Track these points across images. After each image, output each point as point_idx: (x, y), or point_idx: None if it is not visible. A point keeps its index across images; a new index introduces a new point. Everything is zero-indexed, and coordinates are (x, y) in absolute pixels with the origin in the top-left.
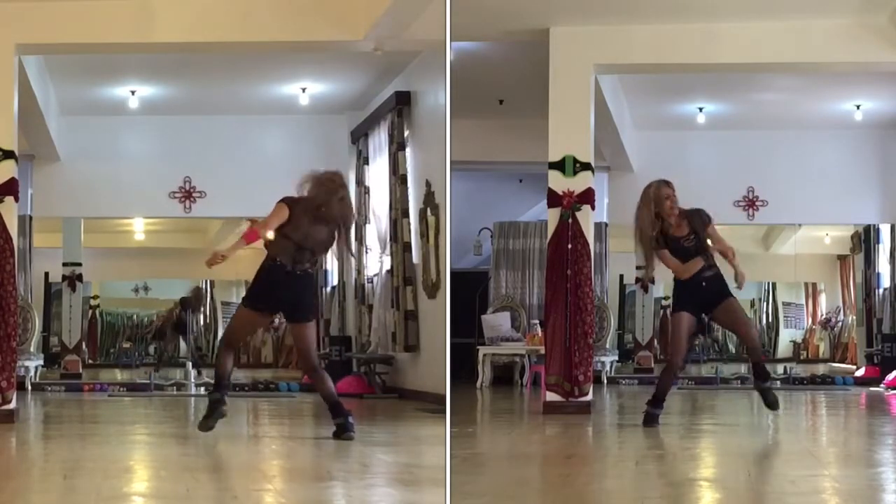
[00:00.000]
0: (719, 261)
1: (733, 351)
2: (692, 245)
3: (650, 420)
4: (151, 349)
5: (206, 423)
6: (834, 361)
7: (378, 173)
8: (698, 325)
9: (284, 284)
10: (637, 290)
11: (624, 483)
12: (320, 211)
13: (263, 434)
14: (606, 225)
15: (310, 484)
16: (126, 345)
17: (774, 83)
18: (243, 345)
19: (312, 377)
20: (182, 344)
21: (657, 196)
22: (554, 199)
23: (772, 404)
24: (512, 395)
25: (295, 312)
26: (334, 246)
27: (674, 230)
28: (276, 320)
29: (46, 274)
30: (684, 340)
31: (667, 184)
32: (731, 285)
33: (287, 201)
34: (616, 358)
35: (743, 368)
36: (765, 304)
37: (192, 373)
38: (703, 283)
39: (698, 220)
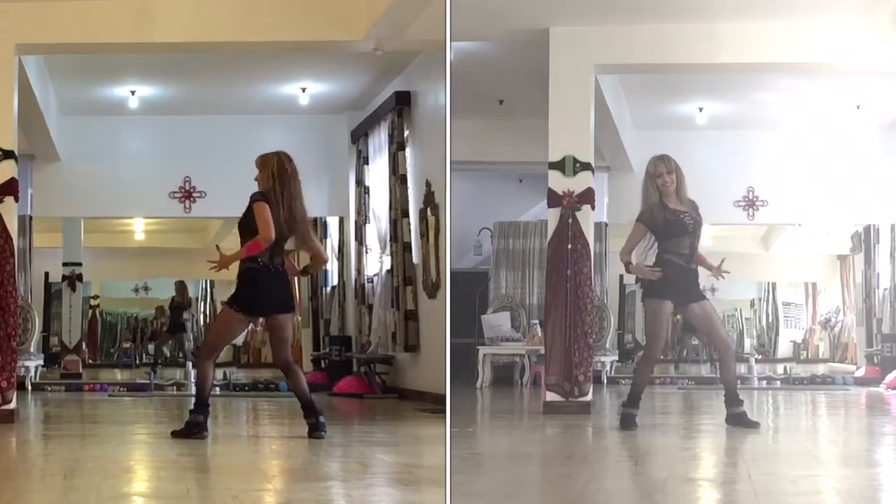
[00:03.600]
0: None
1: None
2: (691, 222)
3: (627, 422)
4: (151, 349)
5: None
6: (834, 361)
7: (378, 173)
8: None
9: (271, 285)
10: (637, 290)
11: (624, 483)
12: (280, 197)
13: (263, 434)
14: (606, 225)
15: (310, 484)
16: (126, 345)
17: (774, 83)
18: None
19: (286, 372)
20: (185, 343)
21: (653, 171)
22: (554, 199)
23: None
24: (512, 395)
25: (280, 307)
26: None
27: (673, 202)
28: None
29: (46, 274)
30: (664, 330)
31: (662, 160)
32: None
33: (263, 200)
34: (616, 358)
35: (743, 368)
36: (765, 304)
37: (192, 372)
38: (688, 274)
39: (697, 213)
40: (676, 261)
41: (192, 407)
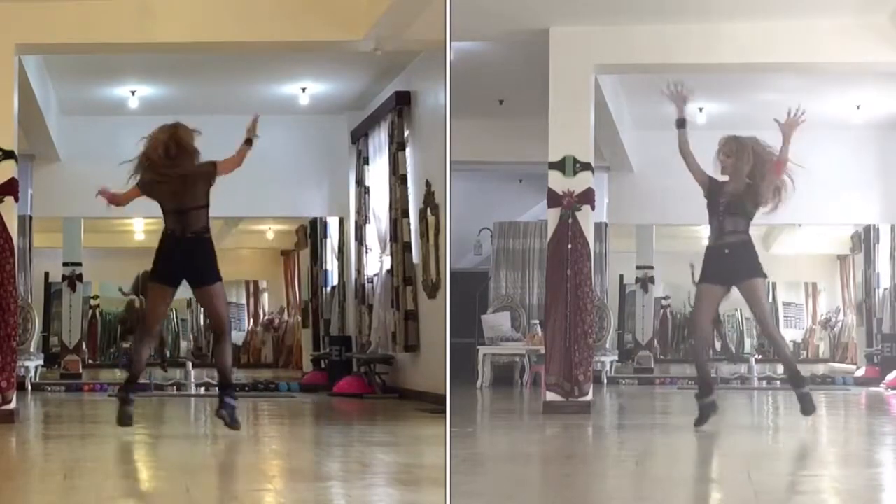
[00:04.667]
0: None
1: (733, 351)
2: (725, 202)
3: (707, 412)
4: (151, 349)
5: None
6: (834, 361)
7: (378, 173)
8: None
9: (178, 252)
10: (637, 290)
11: (624, 483)
12: (160, 163)
13: (263, 434)
14: (606, 225)
15: (310, 484)
16: (126, 345)
17: (774, 83)
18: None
19: (216, 342)
20: (183, 343)
21: (717, 150)
22: (554, 199)
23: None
24: (512, 395)
25: (196, 277)
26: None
27: (727, 186)
28: (276, 320)
29: (46, 274)
30: (703, 315)
31: (729, 140)
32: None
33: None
34: (616, 358)
35: (743, 368)
36: None
37: (192, 373)
38: (727, 250)
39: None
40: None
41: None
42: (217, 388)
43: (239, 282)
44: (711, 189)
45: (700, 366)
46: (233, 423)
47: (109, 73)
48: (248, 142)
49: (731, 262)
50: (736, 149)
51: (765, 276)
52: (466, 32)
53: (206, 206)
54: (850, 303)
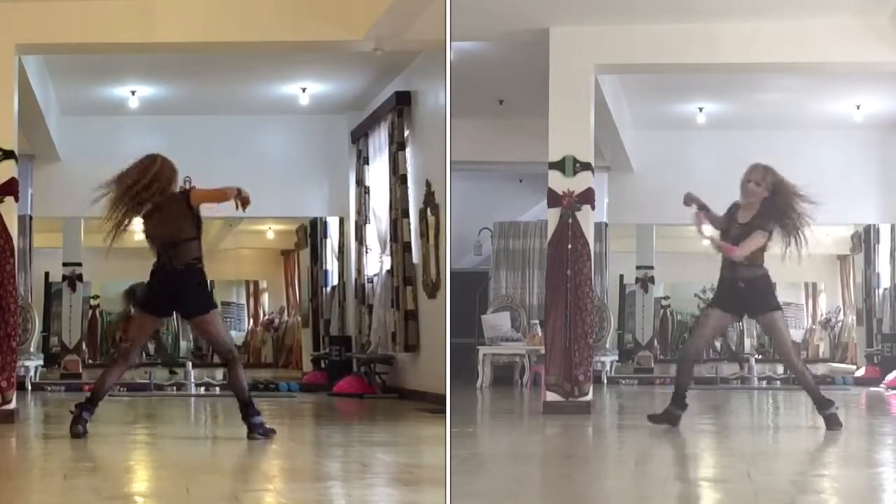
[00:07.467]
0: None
1: (733, 350)
2: (735, 234)
3: (668, 419)
4: (151, 349)
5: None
6: (834, 361)
7: (378, 173)
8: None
9: (166, 283)
10: (637, 289)
11: (624, 483)
12: (141, 197)
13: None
14: (606, 225)
15: (310, 484)
16: (126, 345)
17: (774, 83)
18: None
19: (227, 368)
20: (183, 343)
21: (745, 178)
22: (554, 199)
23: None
24: (512, 395)
25: (185, 308)
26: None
27: (740, 214)
28: (276, 320)
29: (46, 274)
30: (704, 338)
31: (758, 168)
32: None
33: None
34: (616, 358)
35: (743, 368)
36: None
37: (192, 373)
38: (741, 284)
39: (767, 220)
40: (722, 271)
41: None
42: (240, 411)
43: (239, 282)
44: (726, 220)
45: (682, 380)
46: (268, 433)
47: (109, 73)
48: (240, 201)
49: (747, 296)
50: (763, 177)
51: (781, 308)
52: (466, 32)
53: (196, 237)
54: (850, 303)
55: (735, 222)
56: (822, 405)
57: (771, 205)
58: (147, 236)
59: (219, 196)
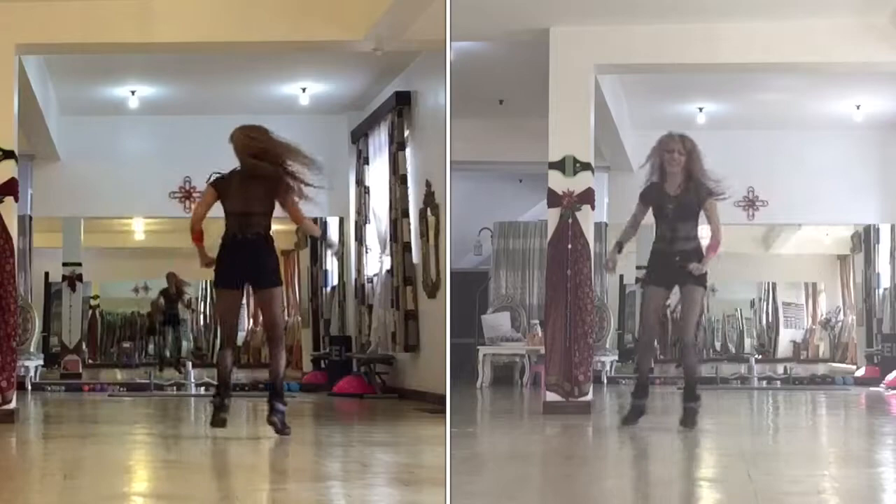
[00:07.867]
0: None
1: (733, 351)
2: (672, 207)
3: (634, 414)
4: (151, 348)
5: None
6: (834, 361)
7: (378, 173)
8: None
9: (238, 253)
10: (637, 289)
11: (624, 483)
12: (248, 160)
13: (263, 434)
14: (606, 225)
15: (310, 484)
16: (126, 345)
17: (774, 83)
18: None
19: (270, 347)
20: (182, 341)
21: (662, 145)
22: (554, 199)
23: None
24: (512, 395)
25: (258, 278)
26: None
27: (667, 185)
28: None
29: (46, 274)
30: (651, 317)
31: (675, 137)
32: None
33: (212, 183)
34: (616, 358)
35: (743, 368)
36: (765, 303)
37: (192, 372)
38: (678, 257)
39: (700, 190)
40: (658, 245)
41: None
42: (267, 394)
43: None
44: (657, 197)
45: (643, 369)
46: (283, 429)
47: (109, 73)
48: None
49: (680, 268)
50: (683, 144)
51: (706, 286)
52: (466, 32)
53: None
54: (850, 303)
55: (667, 196)
56: (690, 396)
57: (689, 170)
58: (226, 209)
59: (298, 218)
